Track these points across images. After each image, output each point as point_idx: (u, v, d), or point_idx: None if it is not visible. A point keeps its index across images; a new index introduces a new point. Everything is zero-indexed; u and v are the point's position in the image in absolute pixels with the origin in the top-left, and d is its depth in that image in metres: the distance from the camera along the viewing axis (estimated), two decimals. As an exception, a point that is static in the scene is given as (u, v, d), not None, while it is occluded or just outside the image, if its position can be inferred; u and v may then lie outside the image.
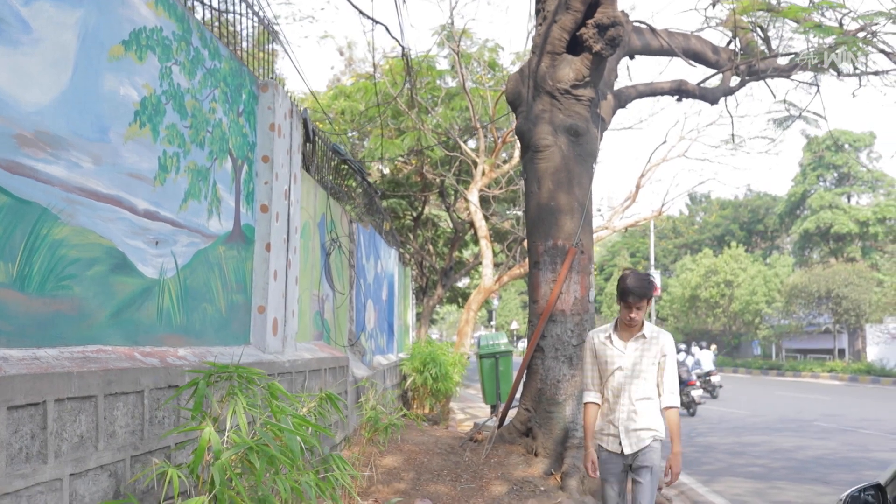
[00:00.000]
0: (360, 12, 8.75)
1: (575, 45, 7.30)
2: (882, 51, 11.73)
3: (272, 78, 5.89)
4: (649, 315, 54.24)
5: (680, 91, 9.01)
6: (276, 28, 7.13)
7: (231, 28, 5.52)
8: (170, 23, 4.17)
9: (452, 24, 17.74)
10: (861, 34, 11.25)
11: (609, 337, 4.53)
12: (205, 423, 3.14)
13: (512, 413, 8.41)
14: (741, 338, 50.34)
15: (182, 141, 4.30)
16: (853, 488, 3.16)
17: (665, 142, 21.04)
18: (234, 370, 3.36)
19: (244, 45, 5.62)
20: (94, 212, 3.39)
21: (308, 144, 7.22)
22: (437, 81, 20.64)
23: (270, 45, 6.89)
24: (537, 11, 7.59)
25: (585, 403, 4.64)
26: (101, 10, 3.46)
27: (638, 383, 4.43)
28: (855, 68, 12.15)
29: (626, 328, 4.48)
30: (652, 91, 8.88)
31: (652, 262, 44.01)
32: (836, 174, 53.31)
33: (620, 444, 4.42)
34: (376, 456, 7.17)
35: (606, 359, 4.50)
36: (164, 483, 3.23)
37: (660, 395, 4.51)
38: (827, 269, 41.51)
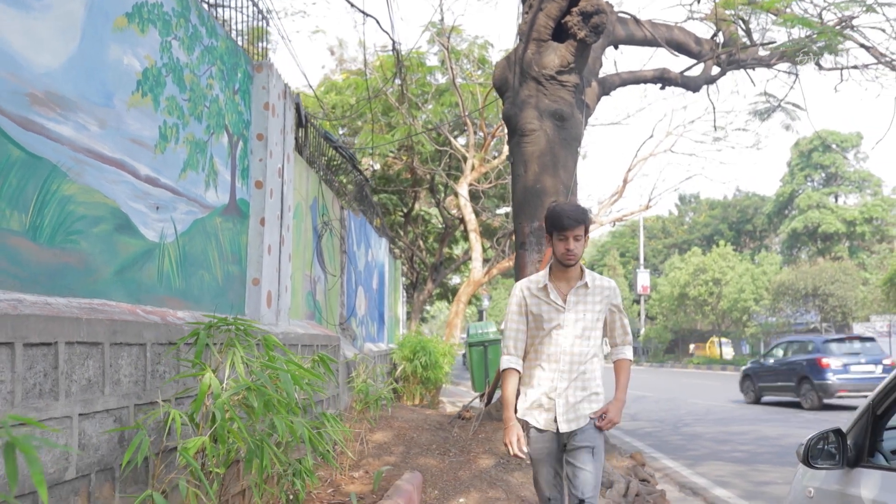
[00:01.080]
0: (352, 4, 8.96)
1: (560, 33, 7.51)
2: (862, 45, 12.02)
3: (265, 59, 6.08)
4: (638, 314, 54.62)
5: (662, 79, 9.24)
6: (269, 16, 7.32)
7: (225, 19, 5.72)
8: (173, 2, 4.36)
9: (442, 20, 17.98)
10: (839, 26, 11.53)
11: (544, 288, 3.75)
12: (205, 371, 3.33)
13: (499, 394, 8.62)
14: (730, 336, 50.70)
15: (181, 113, 4.49)
16: (816, 433, 3.36)
17: (652, 136, 21.34)
18: (234, 322, 3.56)
19: (240, 28, 5.82)
20: (99, 173, 3.58)
21: (300, 129, 7.42)
22: (428, 77, 20.86)
23: (264, 32, 7.07)
24: (523, 0, 7.81)
25: (504, 370, 3.85)
26: (106, -18, 3.65)
27: (581, 344, 3.71)
28: (836, 61, 12.45)
29: (564, 277, 3.74)
30: (635, 79, 9.10)
31: (641, 261, 44.40)
32: (823, 174, 53.91)
33: (556, 420, 3.68)
34: (367, 431, 7.36)
35: (542, 315, 3.73)
36: (164, 433, 3.44)
37: (615, 345, 3.93)
38: (814, 266, 41.93)
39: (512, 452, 3.59)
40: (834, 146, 52.69)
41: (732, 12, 10.78)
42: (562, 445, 3.74)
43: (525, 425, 3.77)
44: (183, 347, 3.85)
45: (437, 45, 19.51)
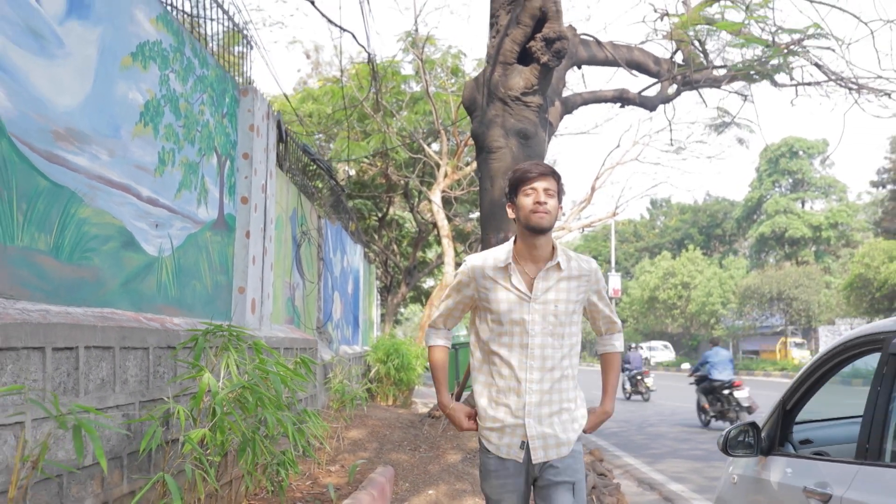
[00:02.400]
0: (329, 21, 9.42)
1: (525, 57, 8.05)
2: (815, 64, 12.72)
3: (250, 84, 6.56)
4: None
5: (622, 99, 9.83)
6: (246, 31, 7.79)
7: (203, 31, 6.18)
8: (168, 36, 4.84)
9: (417, 31, 18.45)
10: (792, 46, 12.23)
11: (505, 269, 2.92)
12: (203, 372, 3.82)
13: (468, 394, 9.16)
14: (699, 338, 51.73)
15: (177, 138, 4.96)
16: (733, 426, 3.89)
17: (619, 146, 21.99)
18: (227, 329, 4.05)
19: (216, 46, 6.28)
20: (109, 197, 4.06)
21: (281, 144, 7.90)
22: (402, 86, 21.35)
23: (247, 51, 7.54)
24: (491, 25, 8.33)
25: (430, 347, 3.16)
26: (115, 27, 4.13)
27: (555, 345, 2.89)
28: (791, 79, 13.16)
29: (530, 255, 2.92)
30: (596, 98, 9.68)
31: (613, 264, 45.08)
32: (790, 180, 55.05)
33: (527, 446, 2.86)
34: (343, 429, 7.85)
35: (500, 307, 2.90)
36: (165, 427, 3.91)
37: (600, 335, 3.22)
38: (779, 271, 42.99)
39: (463, 427, 3.02)
40: (801, 153, 53.88)
41: (692, 31, 11.42)
42: (530, 480, 2.92)
43: (484, 453, 2.97)
44: (181, 351, 4.32)
45: (411, 55, 20.02)
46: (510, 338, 2.89)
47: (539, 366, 2.87)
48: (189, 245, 5.18)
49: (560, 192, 2.93)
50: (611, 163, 21.43)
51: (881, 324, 3.03)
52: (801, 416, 3.81)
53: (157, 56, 4.66)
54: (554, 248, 2.95)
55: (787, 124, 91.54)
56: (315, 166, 10.23)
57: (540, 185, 2.85)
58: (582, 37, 9.49)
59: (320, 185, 11.10)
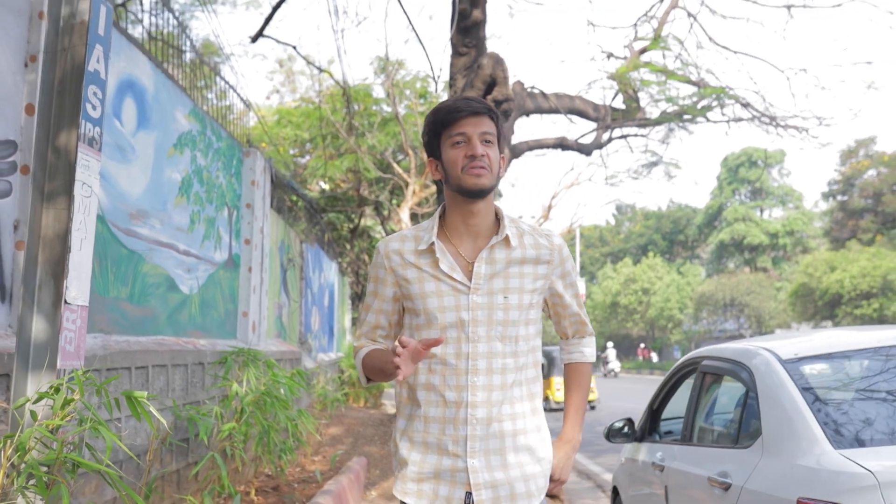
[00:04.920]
0: (307, 61, 10.95)
1: (478, 114, 9.62)
2: (742, 104, 14.50)
3: (251, 147, 8.06)
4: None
5: (562, 145, 11.45)
6: (247, 100, 9.26)
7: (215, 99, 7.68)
8: (196, 125, 6.34)
9: (388, 59, 19.98)
10: (722, 93, 14.02)
11: (430, 251, 2.14)
12: (232, 381, 5.32)
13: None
14: (661, 342, 53.66)
15: (201, 201, 6.46)
16: (615, 420, 5.41)
17: (573, 169, 23.59)
18: (247, 352, 5.56)
19: (222, 104, 7.79)
20: (160, 254, 5.55)
21: (271, 184, 9.39)
22: (374, 107, 22.85)
23: (247, 112, 9.01)
24: (450, 86, 9.88)
25: (359, 357, 2.22)
26: (165, 130, 5.63)
27: (506, 352, 2.09)
28: (723, 114, 14.95)
29: (466, 228, 2.15)
30: (539, 145, 11.29)
31: (578, 268, 46.73)
32: (749, 188, 57.03)
33: (469, 499, 2.05)
34: (323, 427, 9.37)
35: (426, 302, 2.12)
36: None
37: (565, 338, 2.37)
38: (733, 278, 45.09)
39: (398, 364, 1.85)
40: (759, 162, 55.92)
41: (634, 75, 13.13)
42: None
43: None
44: (208, 366, 5.82)
45: (382, 76, 21.54)
46: (444, 346, 2.07)
47: (485, 383, 2.06)
48: (209, 283, 6.68)
49: (500, 138, 2.14)
50: (566, 182, 23.06)
51: (697, 352, 4.63)
52: (667, 414, 5.35)
53: (189, 142, 6.15)
54: (499, 218, 2.17)
55: (748, 137, 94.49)
56: (297, 197, 11.74)
57: (473, 128, 2.06)
58: (530, 90, 11.08)
59: (300, 203, 12.59)
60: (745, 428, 3.53)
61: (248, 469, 6.09)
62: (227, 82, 7.72)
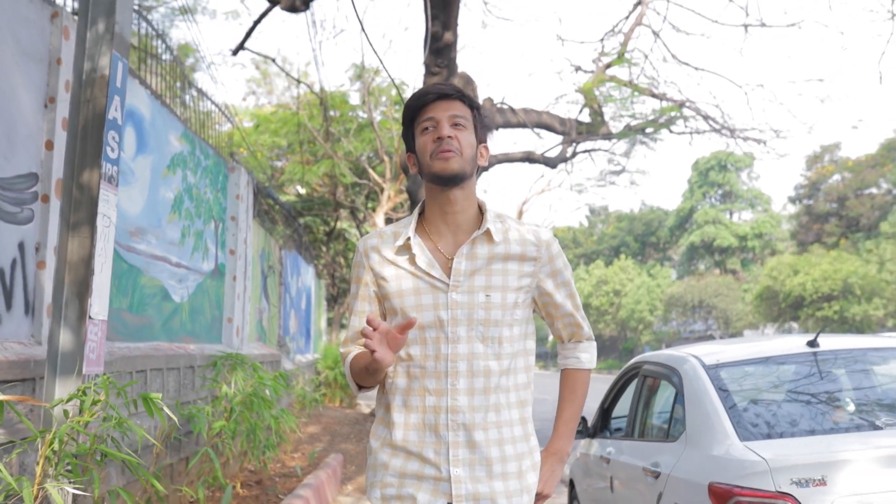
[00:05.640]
0: (288, 75, 11.47)
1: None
2: (703, 117, 15.22)
3: (236, 162, 8.57)
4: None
5: (529, 159, 12.07)
6: (231, 116, 9.80)
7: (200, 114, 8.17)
8: (187, 146, 6.85)
9: (363, 68, 20.49)
10: (684, 106, 14.73)
11: (406, 247, 2.07)
12: (221, 383, 5.84)
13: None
14: (633, 343, 54.51)
15: (191, 216, 6.97)
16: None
17: (543, 176, 24.23)
18: (235, 357, 6.09)
19: (206, 118, 8.28)
20: (155, 267, 6.06)
21: (254, 195, 9.91)
22: (350, 114, 23.34)
23: (231, 127, 9.51)
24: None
25: (347, 361, 2.11)
26: (160, 152, 6.14)
27: (489, 354, 2.01)
28: (686, 126, 15.66)
29: (445, 222, 2.07)
30: (508, 159, 11.89)
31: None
32: (720, 192, 58.04)
33: None
34: (302, 426, 9.89)
35: (403, 302, 2.04)
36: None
37: (561, 341, 2.27)
38: (701, 280, 46.09)
39: (370, 346, 1.79)
40: (729, 166, 56.93)
41: (600, 90, 13.79)
42: None
43: None
44: (198, 369, 6.34)
45: (358, 83, 22.03)
46: (422, 347, 2.00)
47: (466, 386, 1.98)
48: (198, 291, 7.19)
49: (478, 124, 2.08)
50: (537, 189, 23.73)
51: (640, 357, 5.23)
52: (616, 412, 5.93)
53: (181, 162, 6.67)
54: (482, 211, 2.10)
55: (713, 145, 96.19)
56: (277, 205, 12.25)
57: (442, 112, 2.00)
58: (499, 106, 11.68)
59: (277, 208, 13.10)
60: (675, 424, 4.12)
61: (234, 464, 6.60)
62: (202, 92, 8.21)
